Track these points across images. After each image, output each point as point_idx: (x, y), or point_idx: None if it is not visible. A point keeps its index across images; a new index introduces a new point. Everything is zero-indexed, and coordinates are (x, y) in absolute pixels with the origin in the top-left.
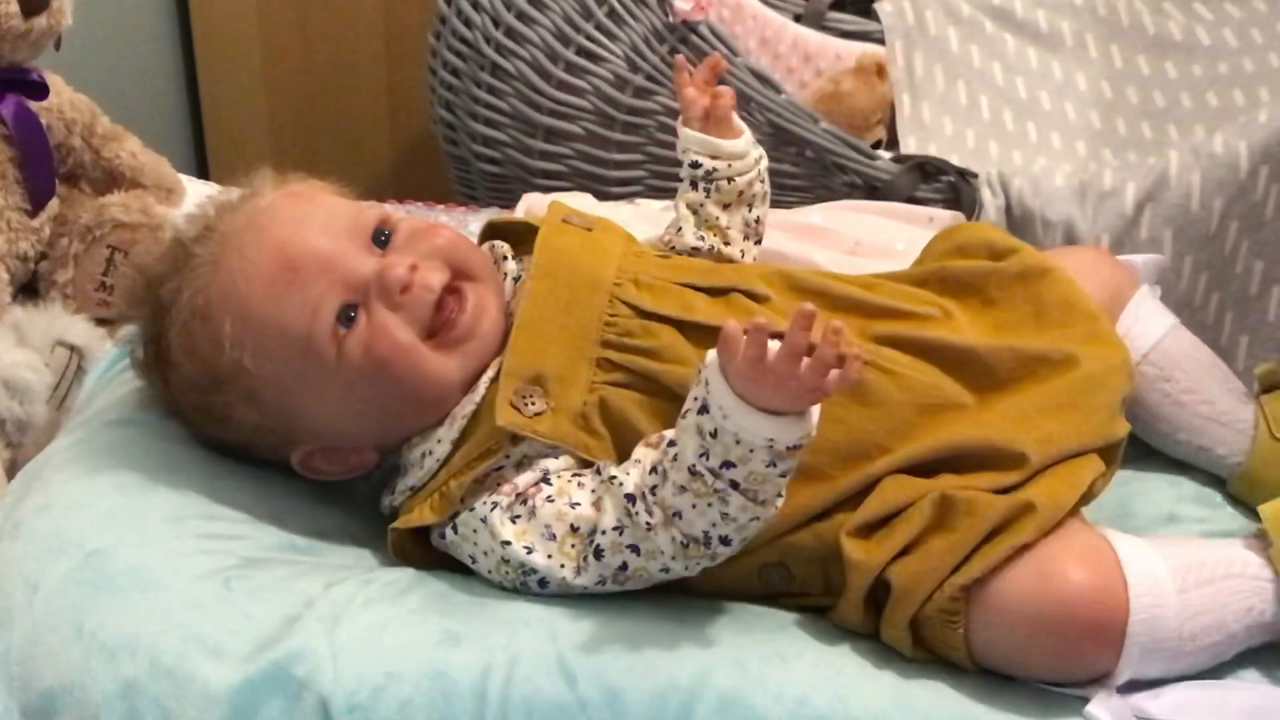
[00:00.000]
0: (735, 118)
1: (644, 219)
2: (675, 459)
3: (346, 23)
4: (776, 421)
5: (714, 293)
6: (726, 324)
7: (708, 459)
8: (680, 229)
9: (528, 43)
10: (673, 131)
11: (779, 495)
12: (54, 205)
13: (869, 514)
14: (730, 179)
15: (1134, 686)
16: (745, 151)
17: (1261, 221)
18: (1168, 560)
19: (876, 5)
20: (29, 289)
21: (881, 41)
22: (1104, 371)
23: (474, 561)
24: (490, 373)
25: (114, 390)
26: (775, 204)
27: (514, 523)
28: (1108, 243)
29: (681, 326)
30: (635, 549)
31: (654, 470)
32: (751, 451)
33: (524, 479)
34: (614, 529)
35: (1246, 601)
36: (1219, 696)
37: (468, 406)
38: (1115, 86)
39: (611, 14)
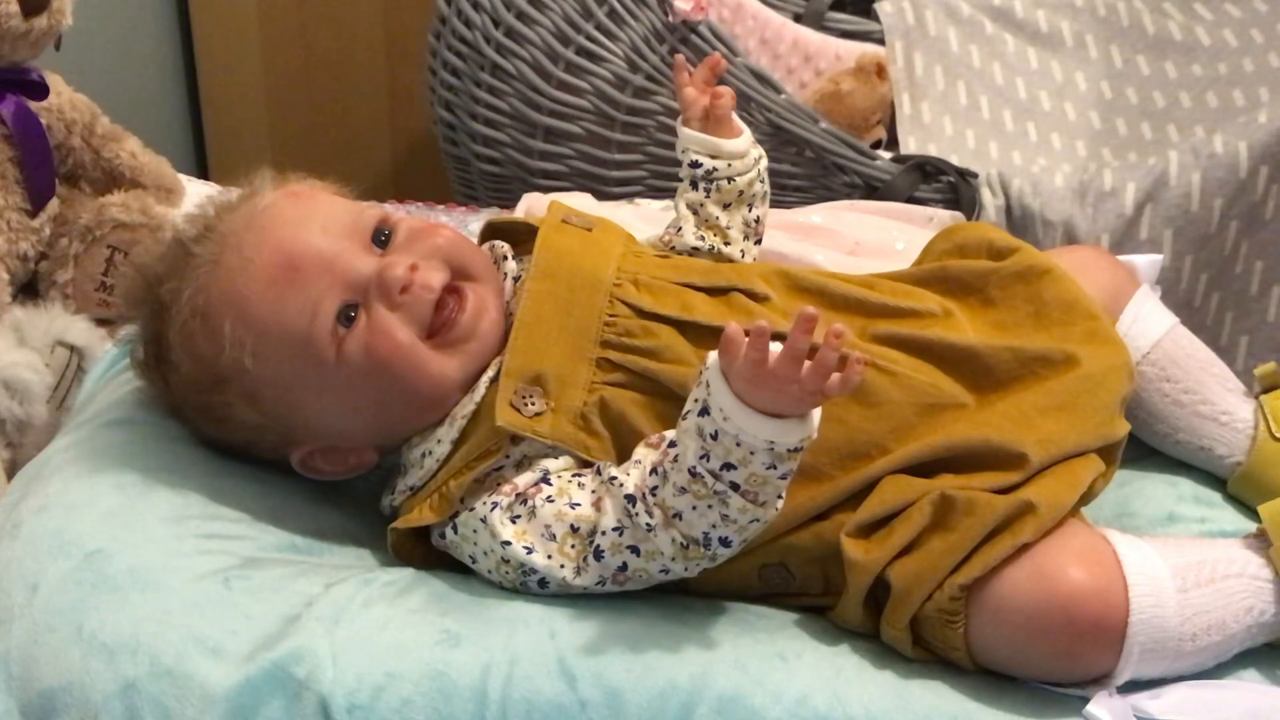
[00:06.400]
0: (735, 117)
1: (644, 219)
2: (676, 460)
3: (346, 23)
4: (777, 424)
5: (714, 292)
6: (728, 326)
7: (708, 461)
8: (680, 229)
9: (528, 43)
10: (673, 131)
11: (779, 497)
12: (54, 205)
13: (869, 514)
14: (730, 179)
15: (1134, 686)
16: (745, 151)
17: (1261, 221)
18: (1168, 560)
19: (876, 5)
20: (29, 289)
21: (881, 41)
22: (1104, 371)
23: (474, 561)
24: (490, 373)
25: (114, 390)
26: (775, 204)
27: (514, 523)
28: (1108, 243)
29: (681, 326)
30: (635, 550)
31: (654, 471)
32: (752, 454)
33: (524, 479)
34: (614, 530)
35: (1246, 601)
36: (1219, 696)
37: (467, 406)
38: (1115, 86)
39: (611, 14)
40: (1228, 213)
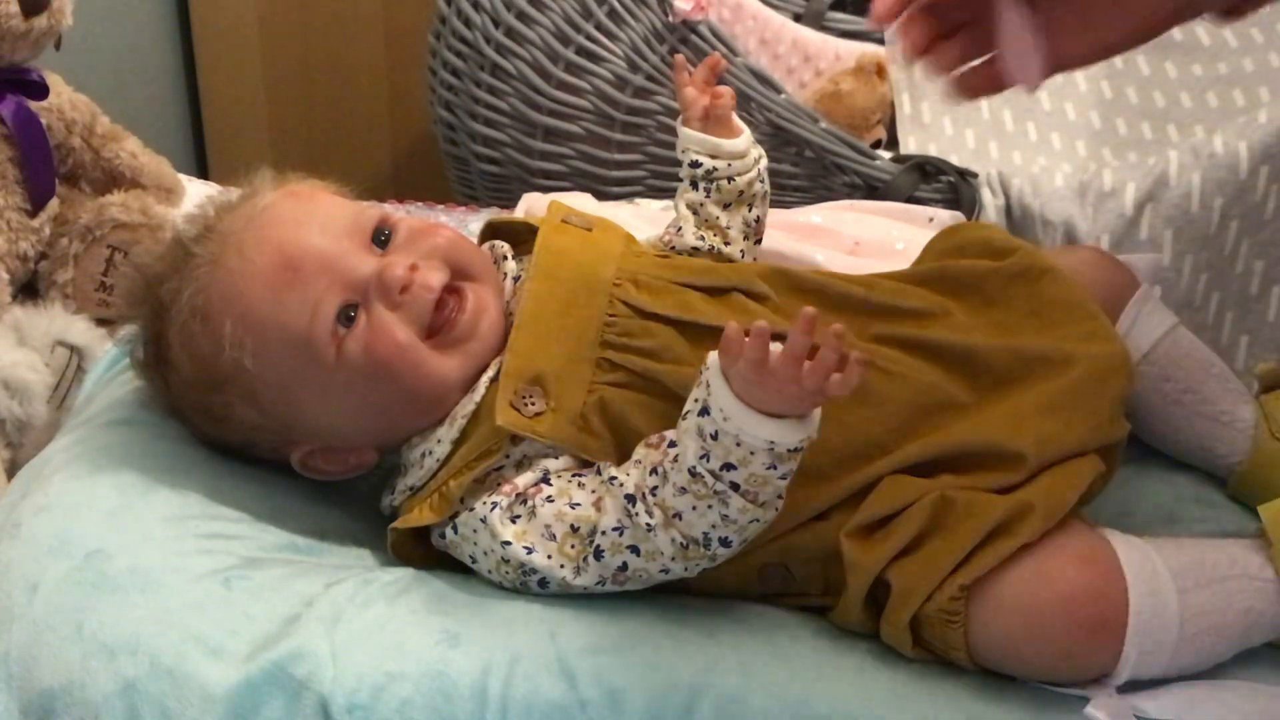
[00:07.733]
0: (735, 117)
1: (644, 219)
2: (676, 460)
3: (346, 23)
4: (777, 424)
5: (713, 292)
6: (728, 326)
7: (708, 461)
8: (680, 228)
9: (528, 43)
10: (673, 131)
11: (779, 497)
12: (54, 205)
13: (869, 514)
14: (730, 178)
15: (1134, 686)
16: (745, 151)
17: (1261, 221)
18: (1168, 561)
19: None
20: (29, 289)
21: (881, 41)
22: (1104, 371)
23: (474, 561)
24: (490, 373)
25: (114, 390)
26: (775, 204)
27: (514, 523)
28: (1108, 243)
29: (681, 326)
30: (635, 550)
31: (654, 471)
32: (752, 454)
33: (524, 479)
34: (614, 530)
35: (1246, 602)
36: (1219, 696)
37: (467, 406)
38: (1115, 86)
39: (611, 14)
40: (1228, 213)
